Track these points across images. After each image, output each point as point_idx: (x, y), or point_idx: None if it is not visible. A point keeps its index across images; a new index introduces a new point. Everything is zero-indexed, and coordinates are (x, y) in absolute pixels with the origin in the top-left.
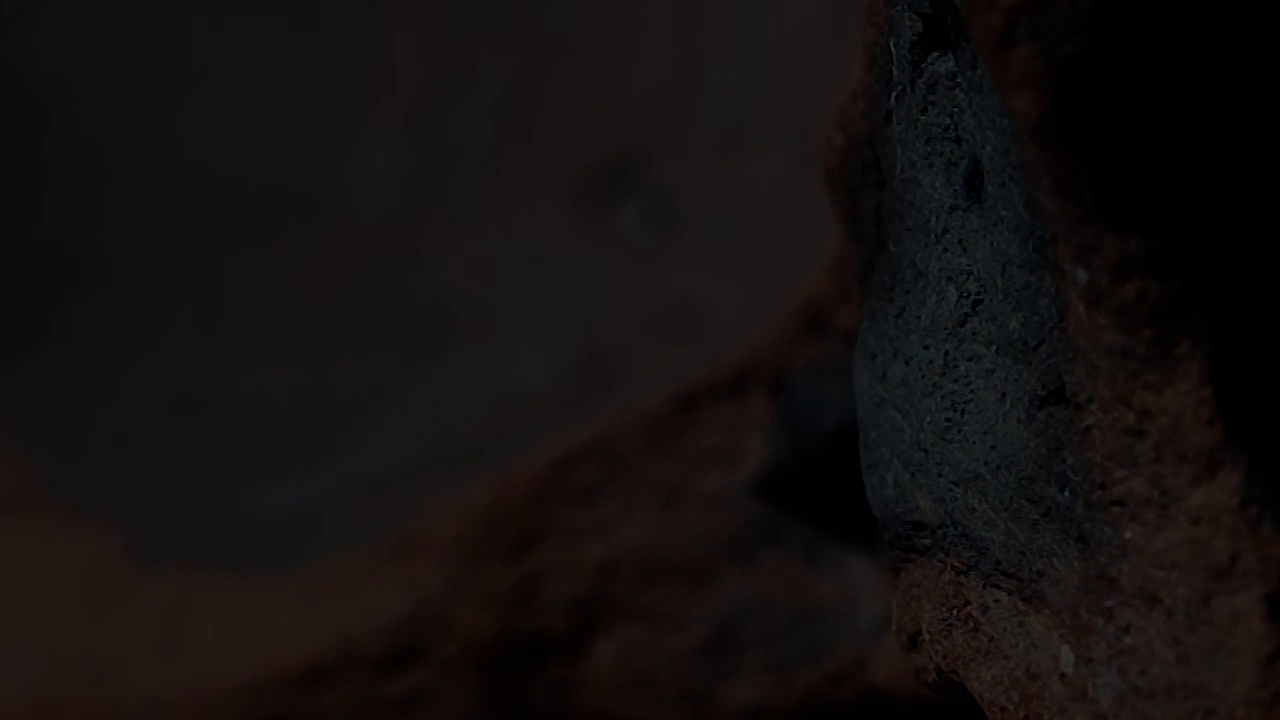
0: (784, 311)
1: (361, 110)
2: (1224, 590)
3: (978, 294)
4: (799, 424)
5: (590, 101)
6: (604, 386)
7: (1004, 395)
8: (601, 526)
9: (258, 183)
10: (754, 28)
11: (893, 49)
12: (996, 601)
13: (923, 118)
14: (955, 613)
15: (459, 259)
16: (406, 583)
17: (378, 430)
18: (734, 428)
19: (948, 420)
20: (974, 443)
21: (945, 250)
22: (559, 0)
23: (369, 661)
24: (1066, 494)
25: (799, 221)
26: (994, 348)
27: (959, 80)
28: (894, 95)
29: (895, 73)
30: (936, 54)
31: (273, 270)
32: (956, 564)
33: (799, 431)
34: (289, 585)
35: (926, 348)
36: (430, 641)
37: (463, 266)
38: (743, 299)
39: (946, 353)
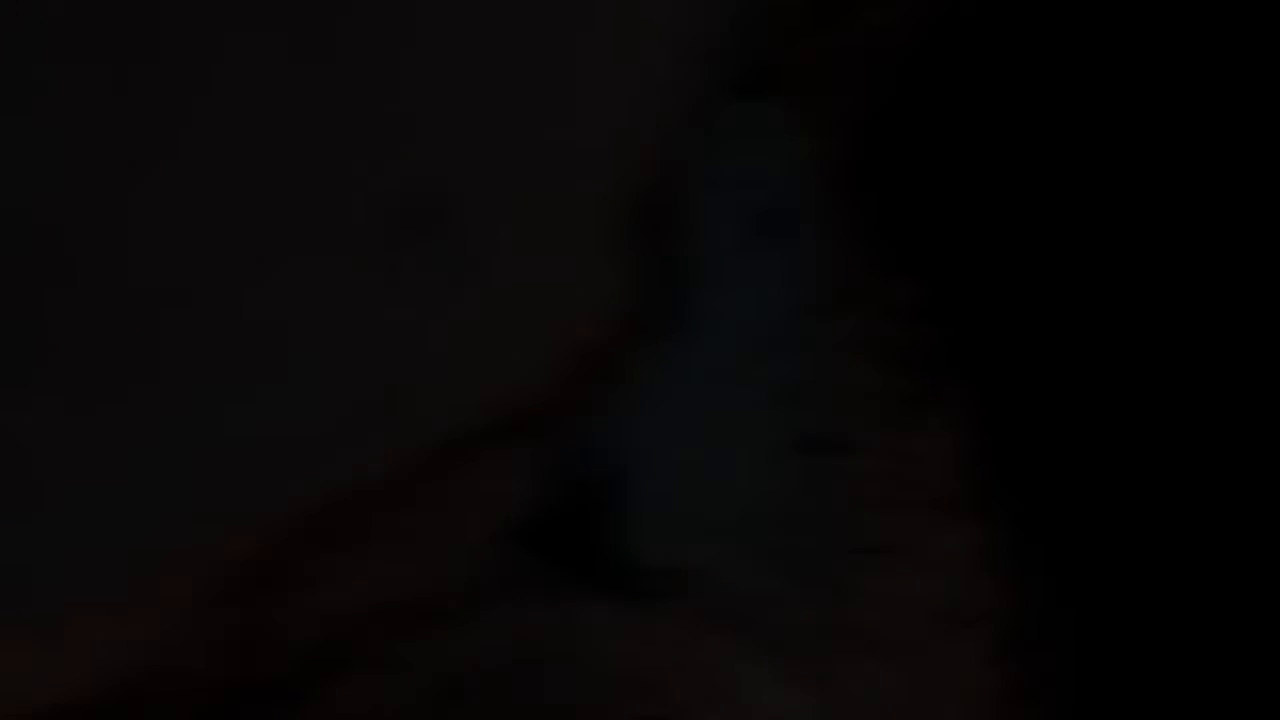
0: (558, 354)
1: None
2: (958, 634)
3: (757, 338)
4: (569, 469)
5: None
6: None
7: (770, 441)
8: (344, 571)
9: None
10: None
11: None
12: (744, 649)
13: (725, 162)
14: (700, 659)
15: None
16: (132, 630)
17: (120, 477)
18: (499, 472)
19: (712, 465)
20: (735, 489)
21: (731, 293)
22: None
23: (87, 713)
24: (822, 540)
25: None
26: (766, 392)
27: (762, 125)
28: (698, 138)
29: (702, 115)
30: (743, 100)
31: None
32: (706, 612)
33: (567, 476)
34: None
35: (701, 391)
36: (151, 690)
37: None
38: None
39: (720, 396)
